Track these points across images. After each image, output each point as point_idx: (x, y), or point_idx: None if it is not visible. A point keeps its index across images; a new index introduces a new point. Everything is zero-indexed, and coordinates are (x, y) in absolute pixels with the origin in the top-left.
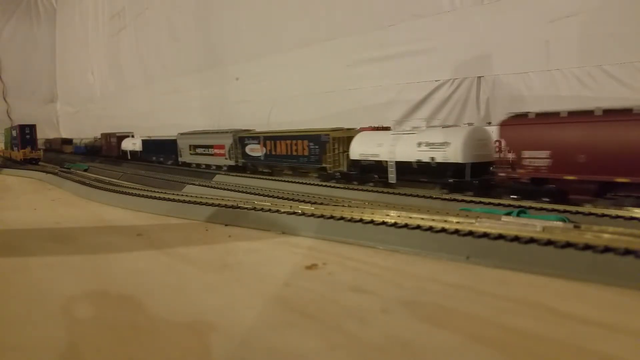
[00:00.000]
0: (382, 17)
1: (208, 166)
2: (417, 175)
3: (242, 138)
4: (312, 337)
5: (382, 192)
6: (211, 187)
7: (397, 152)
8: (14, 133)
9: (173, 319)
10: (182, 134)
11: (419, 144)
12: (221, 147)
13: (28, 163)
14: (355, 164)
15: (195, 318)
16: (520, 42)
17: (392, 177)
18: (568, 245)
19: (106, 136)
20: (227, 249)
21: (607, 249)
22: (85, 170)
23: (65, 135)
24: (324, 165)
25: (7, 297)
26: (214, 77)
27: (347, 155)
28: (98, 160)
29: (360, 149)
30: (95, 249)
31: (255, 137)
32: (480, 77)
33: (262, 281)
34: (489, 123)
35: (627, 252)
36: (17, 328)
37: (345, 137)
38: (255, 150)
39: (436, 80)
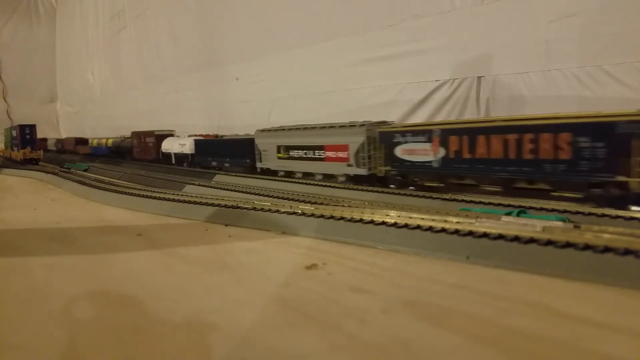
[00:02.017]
0: (382, 17)
1: (308, 175)
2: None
3: (387, 134)
4: (312, 337)
5: (382, 192)
6: (211, 187)
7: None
8: (14, 133)
9: (173, 319)
10: (263, 130)
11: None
12: (342, 148)
13: (28, 163)
14: None
15: (195, 318)
16: (520, 42)
17: None
18: (568, 245)
19: (139, 135)
20: (227, 249)
21: (607, 249)
22: (85, 170)
23: (65, 135)
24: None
25: (7, 297)
26: (214, 77)
27: None
28: (98, 160)
29: None
30: (95, 249)
31: (422, 132)
32: (480, 77)
33: (262, 281)
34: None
35: (627, 252)
36: (17, 328)
37: None
38: (417, 152)
39: (436, 80)
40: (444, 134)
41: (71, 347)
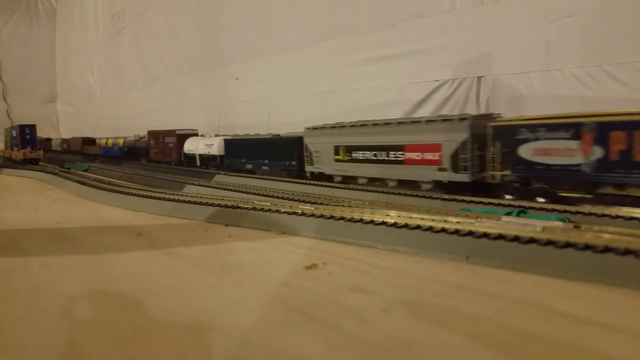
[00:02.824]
0: (382, 17)
1: (376, 181)
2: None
3: (507, 129)
4: (312, 337)
5: (382, 192)
6: (211, 187)
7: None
8: (14, 133)
9: (173, 319)
10: (315, 127)
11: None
12: (431, 148)
13: (28, 163)
14: None
15: (195, 318)
16: (520, 42)
17: None
18: (568, 245)
19: (157, 135)
20: (227, 249)
21: (607, 249)
22: (85, 170)
23: (65, 135)
24: None
25: (7, 297)
26: (214, 77)
27: None
28: (98, 160)
29: None
30: (95, 249)
31: (564, 126)
32: (480, 77)
33: (262, 281)
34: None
35: (627, 252)
36: (17, 328)
37: None
38: (555, 152)
39: (436, 80)
40: (603, 128)
41: (71, 347)
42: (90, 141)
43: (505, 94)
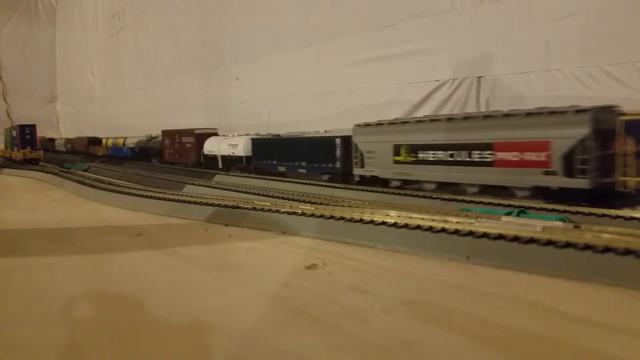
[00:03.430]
0: (382, 17)
1: (449, 186)
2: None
3: None
4: (312, 337)
5: (382, 192)
6: (211, 187)
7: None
8: (14, 133)
9: (173, 319)
10: (368, 124)
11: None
12: (534, 146)
13: (28, 163)
14: None
15: (195, 318)
16: (520, 42)
17: None
18: (568, 245)
19: (173, 135)
20: (227, 249)
21: (607, 249)
22: (85, 170)
23: (65, 134)
24: None
25: (7, 297)
26: (214, 77)
27: None
28: (98, 160)
29: None
30: (95, 249)
31: None
32: (480, 77)
33: (262, 281)
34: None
35: (627, 252)
36: (17, 328)
37: None
38: None
39: (436, 80)
40: None
41: (71, 347)
42: (96, 141)
43: (505, 94)
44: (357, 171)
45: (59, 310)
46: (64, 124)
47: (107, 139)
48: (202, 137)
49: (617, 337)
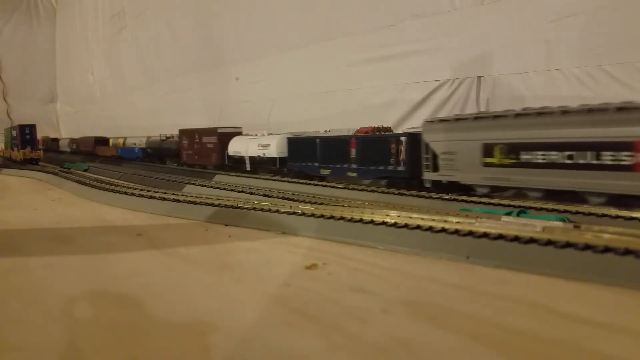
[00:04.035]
0: (382, 17)
1: (564, 194)
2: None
3: None
4: (312, 337)
5: (382, 192)
6: (211, 187)
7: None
8: (14, 133)
9: (173, 319)
10: (443, 120)
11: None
12: None
13: (28, 163)
14: None
15: (195, 318)
16: (520, 42)
17: None
18: (568, 245)
19: (192, 134)
20: (227, 249)
21: (607, 249)
22: (85, 170)
23: (65, 134)
24: None
25: (7, 297)
26: (214, 77)
27: None
28: (98, 160)
29: None
30: (95, 249)
31: None
32: (480, 77)
33: (262, 281)
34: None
35: (627, 252)
36: (17, 328)
37: None
38: None
39: (436, 80)
40: None
41: (71, 347)
42: (103, 141)
43: (505, 94)
44: (429, 176)
45: (59, 311)
46: (64, 124)
47: (116, 138)
48: (225, 136)
49: (617, 337)
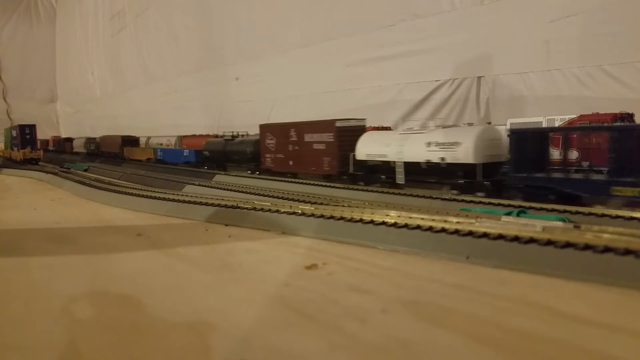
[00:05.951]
0: (382, 17)
1: None
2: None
3: None
4: (312, 337)
5: (383, 192)
6: (211, 187)
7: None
8: (14, 133)
9: (173, 319)
10: None
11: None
12: None
13: (28, 163)
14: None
15: (195, 318)
16: (520, 42)
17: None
18: (568, 245)
19: (285, 130)
20: (227, 249)
21: (607, 249)
22: (85, 170)
23: (65, 134)
24: None
25: (7, 297)
26: (214, 77)
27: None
28: (98, 160)
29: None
30: (95, 249)
31: None
32: (480, 77)
33: (262, 281)
34: (489, 123)
35: (627, 252)
36: (17, 328)
37: None
38: None
39: (436, 80)
40: None
41: (71, 347)
42: (133, 141)
43: (505, 94)
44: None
45: (59, 311)
46: (64, 124)
47: (150, 137)
48: (349, 133)
49: (617, 337)
